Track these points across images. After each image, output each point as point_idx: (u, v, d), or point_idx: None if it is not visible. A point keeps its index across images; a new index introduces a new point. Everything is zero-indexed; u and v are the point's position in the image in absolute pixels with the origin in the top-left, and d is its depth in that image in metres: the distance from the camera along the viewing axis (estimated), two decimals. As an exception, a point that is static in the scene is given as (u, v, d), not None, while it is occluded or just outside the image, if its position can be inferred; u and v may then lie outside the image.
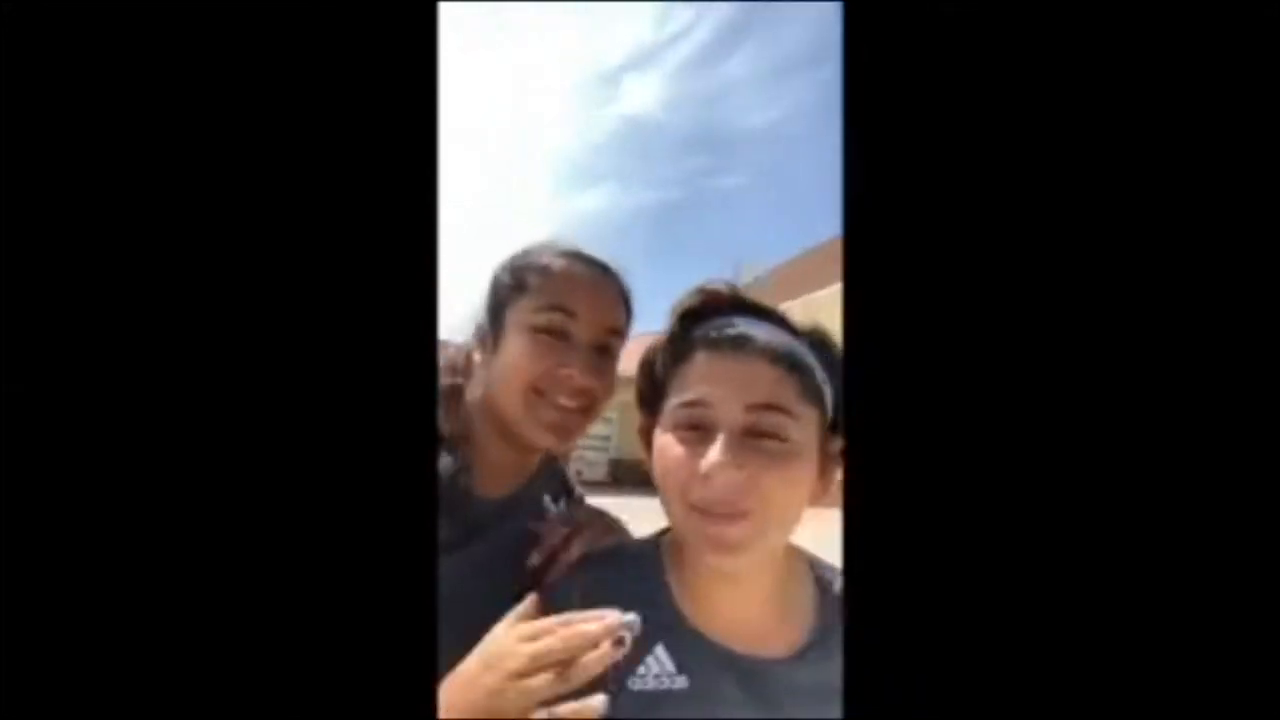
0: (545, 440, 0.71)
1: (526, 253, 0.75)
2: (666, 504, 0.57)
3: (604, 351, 0.73)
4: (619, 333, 0.74)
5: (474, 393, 0.75)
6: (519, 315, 0.71)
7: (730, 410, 0.54)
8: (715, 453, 0.52)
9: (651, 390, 0.61)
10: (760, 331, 0.57)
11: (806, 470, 0.55)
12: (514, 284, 0.73)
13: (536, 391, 0.70)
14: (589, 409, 0.73)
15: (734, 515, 0.53)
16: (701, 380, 0.56)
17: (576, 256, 0.74)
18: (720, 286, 0.61)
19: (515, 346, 0.71)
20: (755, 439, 0.54)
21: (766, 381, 0.55)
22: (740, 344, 0.56)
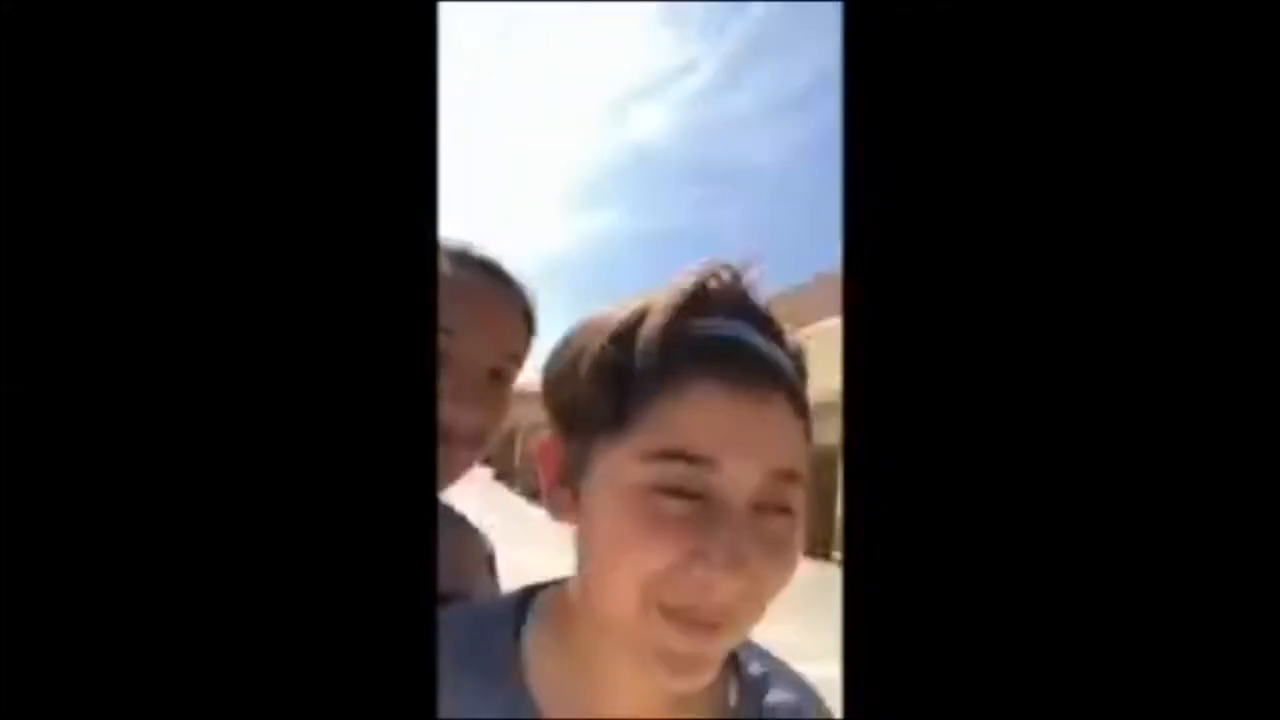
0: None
1: None
2: (613, 595, 0.43)
3: (495, 377, 0.60)
4: (516, 358, 0.61)
5: None
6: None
7: (747, 480, 0.40)
8: (723, 552, 0.39)
9: (605, 399, 0.43)
10: (779, 357, 0.43)
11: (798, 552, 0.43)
12: None
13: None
14: (475, 442, 0.60)
15: (715, 625, 0.41)
16: (710, 425, 0.40)
17: (462, 260, 0.59)
18: (729, 275, 0.44)
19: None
20: (764, 518, 0.41)
21: (791, 437, 0.42)
22: (767, 378, 0.42)
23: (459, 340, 0.56)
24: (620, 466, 0.42)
